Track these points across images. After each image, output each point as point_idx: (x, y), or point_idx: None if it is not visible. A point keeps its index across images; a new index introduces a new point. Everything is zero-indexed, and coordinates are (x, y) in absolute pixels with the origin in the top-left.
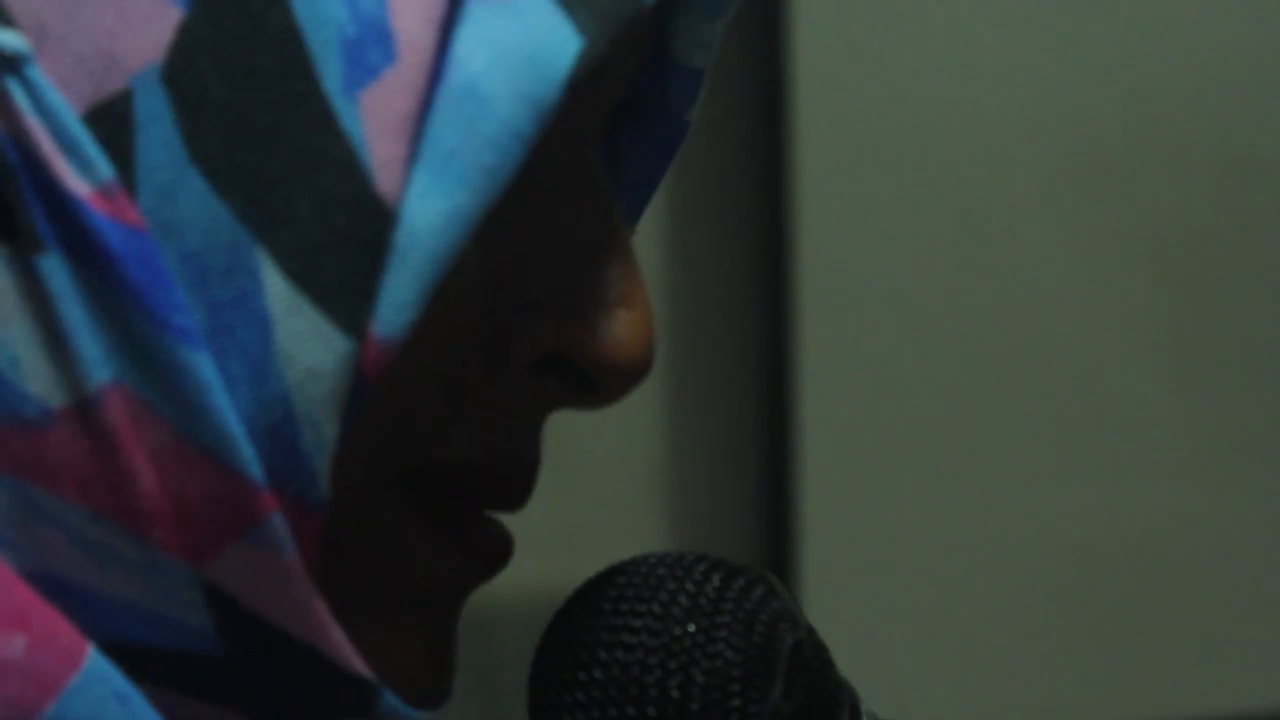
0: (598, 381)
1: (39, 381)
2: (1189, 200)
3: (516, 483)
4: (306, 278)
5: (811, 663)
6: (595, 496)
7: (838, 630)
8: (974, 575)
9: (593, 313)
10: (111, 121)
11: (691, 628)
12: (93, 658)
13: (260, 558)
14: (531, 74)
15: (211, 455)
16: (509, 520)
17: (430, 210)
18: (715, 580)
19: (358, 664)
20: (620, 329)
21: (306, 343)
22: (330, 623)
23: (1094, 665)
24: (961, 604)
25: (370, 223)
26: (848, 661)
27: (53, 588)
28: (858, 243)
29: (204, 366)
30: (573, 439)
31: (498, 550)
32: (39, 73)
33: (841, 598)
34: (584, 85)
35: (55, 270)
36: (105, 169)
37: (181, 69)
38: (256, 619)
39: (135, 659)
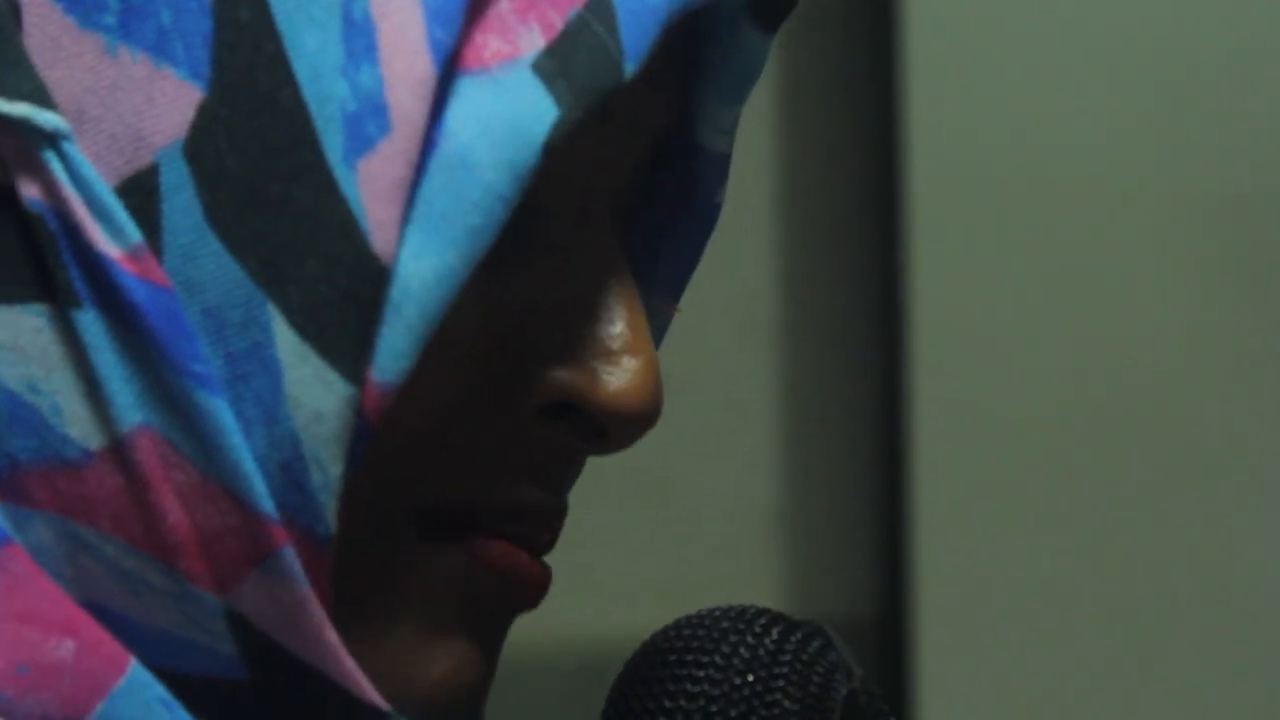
0: (606, 427)
1: (77, 425)
2: None
3: (537, 524)
4: (312, 330)
5: (866, 712)
6: (710, 548)
7: (952, 683)
8: (1091, 627)
9: (599, 362)
10: (140, 193)
11: (751, 678)
12: (136, 666)
13: (275, 587)
14: (513, 142)
15: (229, 491)
16: (630, 569)
17: (423, 268)
18: (774, 633)
19: (371, 693)
20: (625, 376)
21: (312, 388)
22: (342, 652)
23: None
24: (1078, 656)
25: (368, 280)
26: (965, 713)
27: (98, 615)
28: (972, 294)
29: (222, 410)
30: (687, 491)
31: (524, 580)
32: (75, 148)
33: (956, 650)
34: (587, 155)
35: (90, 324)
36: (134, 234)
37: (201, 144)
38: (274, 646)
39: (170, 685)
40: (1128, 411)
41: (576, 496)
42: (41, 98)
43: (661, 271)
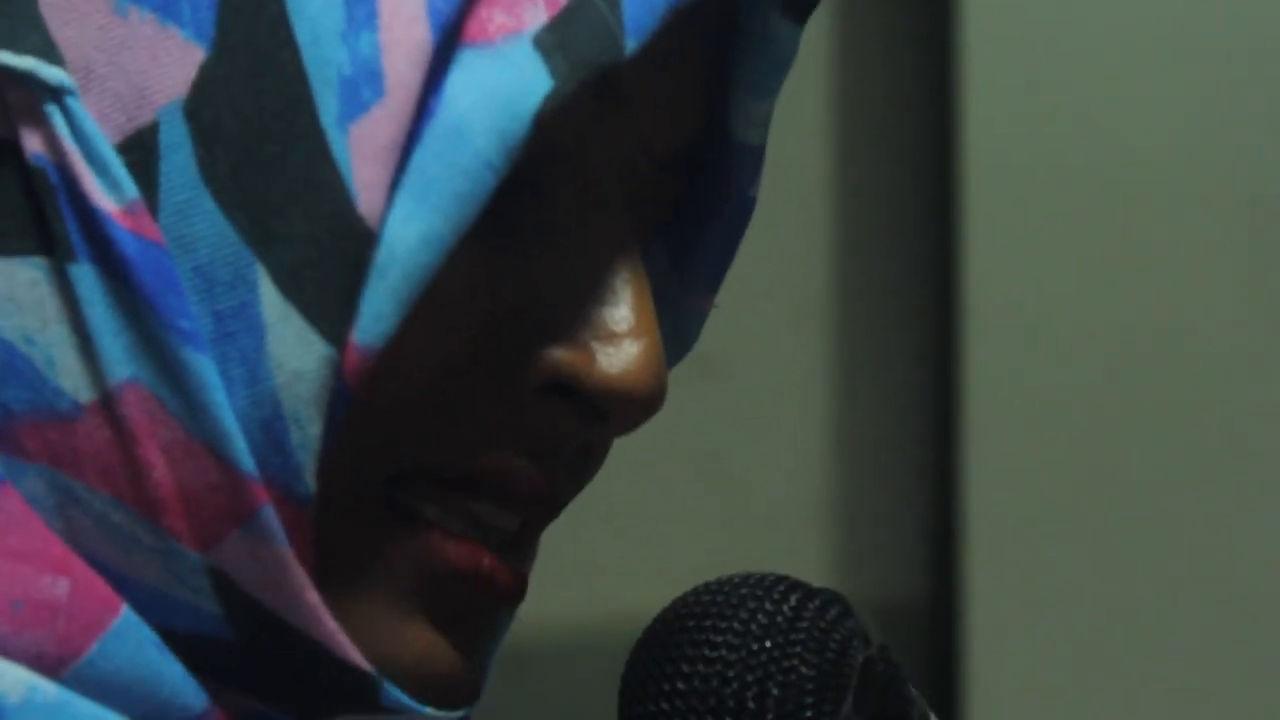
0: (606, 409)
1: (70, 378)
2: None
3: (536, 498)
4: (296, 290)
5: (882, 679)
6: (761, 531)
7: (1002, 667)
8: (1142, 612)
9: (599, 343)
10: (140, 149)
11: (768, 644)
12: (129, 610)
13: (256, 547)
14: (506, 112)
15: (212, 449)
16: (682, 552)
17: (409, 233)
18: (792, 600)
19: (354, 654)
20: (626, 359)
21: (293, 348)
22: (323, 613)
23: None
24: (1128, 641)
25: (352, 241)
26: (1015, 696)
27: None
28: (1026, 278)
29: (207, 367)
30: (738, 475)
31: (487, 584)
32: (78, 104)
33: (1006, 634)
34: (601, 139)
35: (84, 277)
36: (131, 189)
37: (201, 103)
38: (256, 605)
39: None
40: (1183, 398)
41: (629, 478)
42: (49, 53)
43: (699, 267)
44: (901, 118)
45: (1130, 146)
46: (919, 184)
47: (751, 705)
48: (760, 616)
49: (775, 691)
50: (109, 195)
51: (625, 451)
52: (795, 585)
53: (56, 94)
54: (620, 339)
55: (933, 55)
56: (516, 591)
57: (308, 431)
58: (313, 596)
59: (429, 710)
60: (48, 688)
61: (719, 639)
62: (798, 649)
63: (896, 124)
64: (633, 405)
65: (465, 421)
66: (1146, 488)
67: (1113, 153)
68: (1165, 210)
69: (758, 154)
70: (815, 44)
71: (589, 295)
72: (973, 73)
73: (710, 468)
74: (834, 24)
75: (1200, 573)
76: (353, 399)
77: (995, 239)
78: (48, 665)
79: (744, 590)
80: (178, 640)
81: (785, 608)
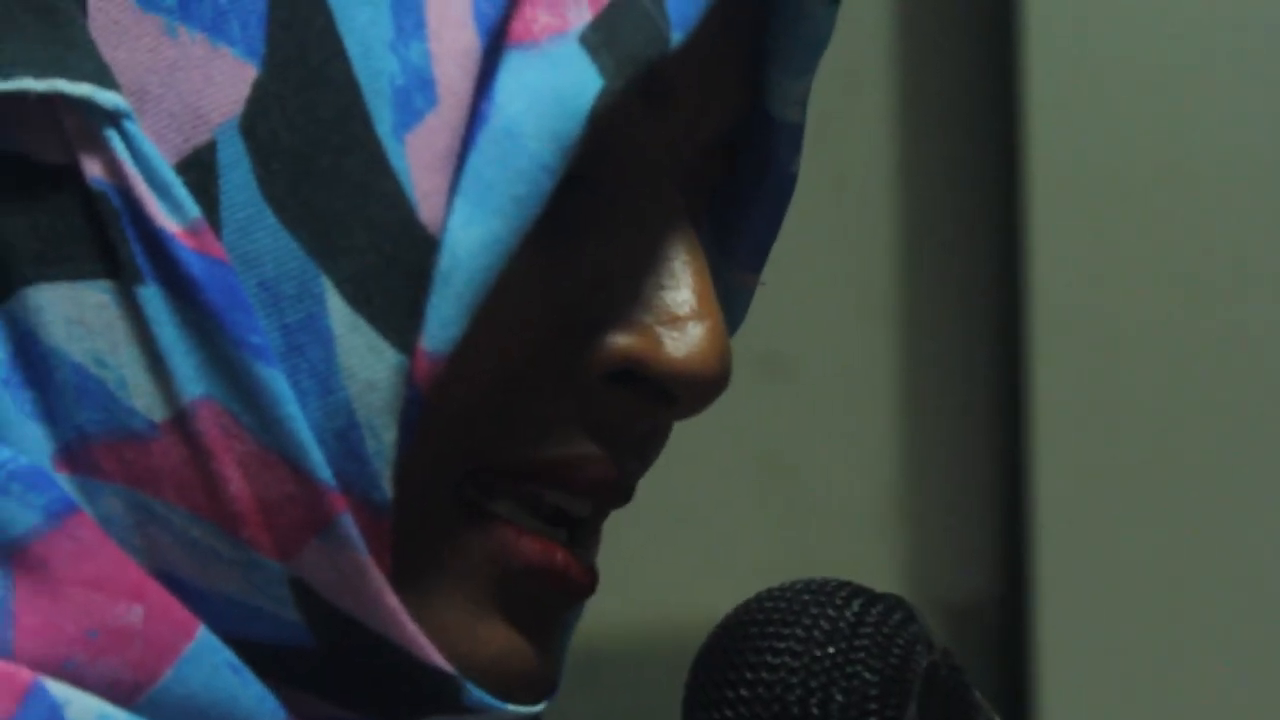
0: (675, 392)
1: (142, 398)
2: None
3: (609, 483)
4: (362, 300)
5: (946, 684)
6: (829, 532)
7: (1073, 668)
8: (1217, 615)
9: (664, 327)
10: (199, 169)
11: (831, 650)
12: (204, 631)
13: (335, 555)
14: (558, 113)
15: (288, 460)
16: (749, 554)
17: (470, 237)
18: (855, 605)
19: (435, 657)
20: (691, 341)
21: (364, 358)
22: (404, 617)
23: None
24: (1204, 646)
25: (415, 249)
26: (1086, 700)
27: (168, 583)
28: (1094, 277)
29: (278, 381)
30: (805, 476)
31: (561, 579)
32: (136, 127)
33: (1076, 636)
34: (653, 132)
35: (152, 298)
36: (193, 209)
37: (257, 120)
38: (337, 612)
39: (240, 652)
40: (1258, 397)
41: (695, 480)
42: (103, 78)
43: (743, 245)
44: (967, 115)
45: (1199, 141)
46: (986, 182)
47: (815, 712)
48: (823, 622)
49: (839, 698)
50: (171, 216)
51: (691, 453)
52: (858, 591)
53: (114, 118)
54: (684, 321)
55: (997, 50)
56: (588, 585)
57: (383, 439)
58: (392, 600)
59: (510, 707)
60: (118, 716)
61: (782, 645)
62: (861, 655)
63: (962, 121)
64: (701, 386)
65: (534, 416)
66: (1220, 488)
67: (1182, 146)
68: (1236, 205)
69: (797, 131)
70: (879, 43)
71: (649, 281)
72: (1038, 68)
73: (776, 469)
74: (897, 22)
75: (1276, 574)
76: (425, 405)
77: (1064, 237)
78: (123, 692)
79: (806, 596)
80: (259, 650)
81: (848, 613)
